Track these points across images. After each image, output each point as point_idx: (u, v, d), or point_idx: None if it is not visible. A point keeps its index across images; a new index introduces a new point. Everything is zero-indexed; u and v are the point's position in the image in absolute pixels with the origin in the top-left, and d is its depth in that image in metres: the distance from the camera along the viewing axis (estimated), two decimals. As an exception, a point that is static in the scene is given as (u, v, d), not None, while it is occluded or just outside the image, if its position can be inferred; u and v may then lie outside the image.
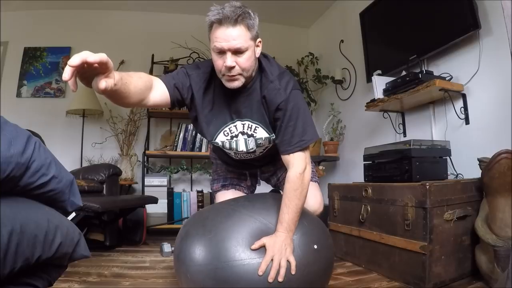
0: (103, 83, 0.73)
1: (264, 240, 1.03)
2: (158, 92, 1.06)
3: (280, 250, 1.01)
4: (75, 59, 0.67)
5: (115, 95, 0.87)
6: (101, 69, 0.73)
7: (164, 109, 2.78)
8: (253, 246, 1.02)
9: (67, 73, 0.66)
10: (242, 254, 1.00)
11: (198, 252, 1.03)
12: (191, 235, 1.10)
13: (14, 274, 0.63)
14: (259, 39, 1.10)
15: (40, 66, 3.16)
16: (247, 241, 1.04)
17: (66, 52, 3.18)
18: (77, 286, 1.35)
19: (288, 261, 1.01)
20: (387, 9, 2.33)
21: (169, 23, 3.36)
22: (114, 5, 3.23)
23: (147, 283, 1.45)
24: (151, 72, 3.01)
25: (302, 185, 1.11)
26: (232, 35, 1.00)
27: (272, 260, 1.00)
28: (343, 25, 3.04)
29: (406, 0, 2.16)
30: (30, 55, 3.16)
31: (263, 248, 1.03)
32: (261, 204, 1.17)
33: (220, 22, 1.00)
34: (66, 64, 0.67)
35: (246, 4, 1.05)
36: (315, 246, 1.10)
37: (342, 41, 3.01)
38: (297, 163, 1.12)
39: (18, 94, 3.09)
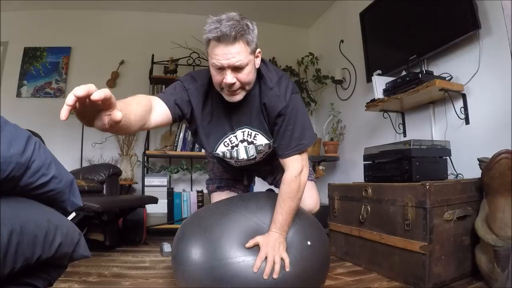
0: (119, 113, 0.66)
1: (258, 239, 1.05)
2: (159, 112, 1.02)
3: (274, 247, 1.03)
4: (79, 91, 0.59)
5: (117, 129, 0.80)
6: (104, 106, 0.66)
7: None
8: (247, 245, 1.04)
9: (64, 111, 0.58)
10: (236, 252, 1.02)
11: (194, 251, 1.05)
12: (187, 235, 1.12)
13: (14, 274, 0.63)
14: (258, 50, 1.06)
15: (40, 66, 3.15)
16: (241, 239, 1.05)
17: (66, 52, 3.16)
18: (77, 286, 1.35)
19: (282, 258, 1.03)
20: (387, 9, 2.33)
21: (169, 23, 3.36)
22: (114, 5, 3.23)
23: (147, 283, 1.45)
24: (151, 72, 3.01)
25: (297, 187, 1.11)
26: (231, 52, 0.97)
27: (266, 257, 1.01)
28: (343, 25, 3.04)
29: (406, 0, 2.16)
30: (30, 55, 3.16)
31: (257, 247, 1.05)
32: (255, 203, 1.19)
33: (219, 39, 0.96)
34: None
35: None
36: (309, 243, 1.12)
37: (342, 41, 3.01)
38: (294, 166, 1.12)
39: (18, 94, 3.09)
